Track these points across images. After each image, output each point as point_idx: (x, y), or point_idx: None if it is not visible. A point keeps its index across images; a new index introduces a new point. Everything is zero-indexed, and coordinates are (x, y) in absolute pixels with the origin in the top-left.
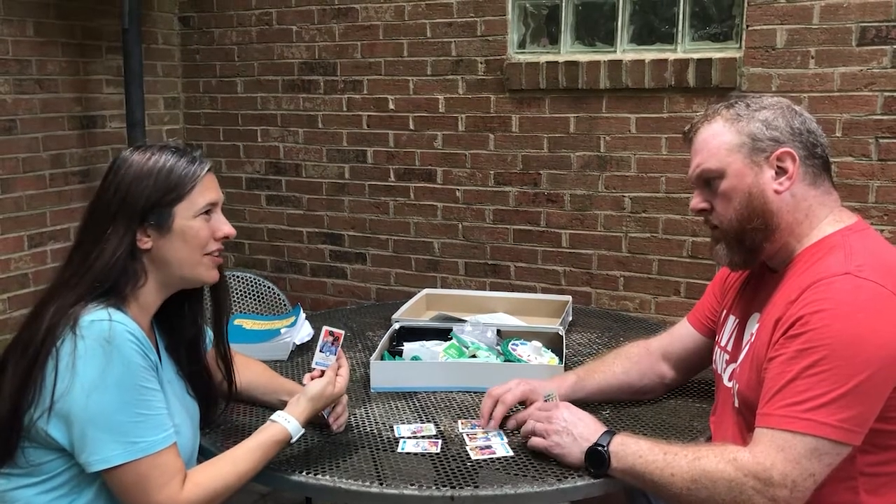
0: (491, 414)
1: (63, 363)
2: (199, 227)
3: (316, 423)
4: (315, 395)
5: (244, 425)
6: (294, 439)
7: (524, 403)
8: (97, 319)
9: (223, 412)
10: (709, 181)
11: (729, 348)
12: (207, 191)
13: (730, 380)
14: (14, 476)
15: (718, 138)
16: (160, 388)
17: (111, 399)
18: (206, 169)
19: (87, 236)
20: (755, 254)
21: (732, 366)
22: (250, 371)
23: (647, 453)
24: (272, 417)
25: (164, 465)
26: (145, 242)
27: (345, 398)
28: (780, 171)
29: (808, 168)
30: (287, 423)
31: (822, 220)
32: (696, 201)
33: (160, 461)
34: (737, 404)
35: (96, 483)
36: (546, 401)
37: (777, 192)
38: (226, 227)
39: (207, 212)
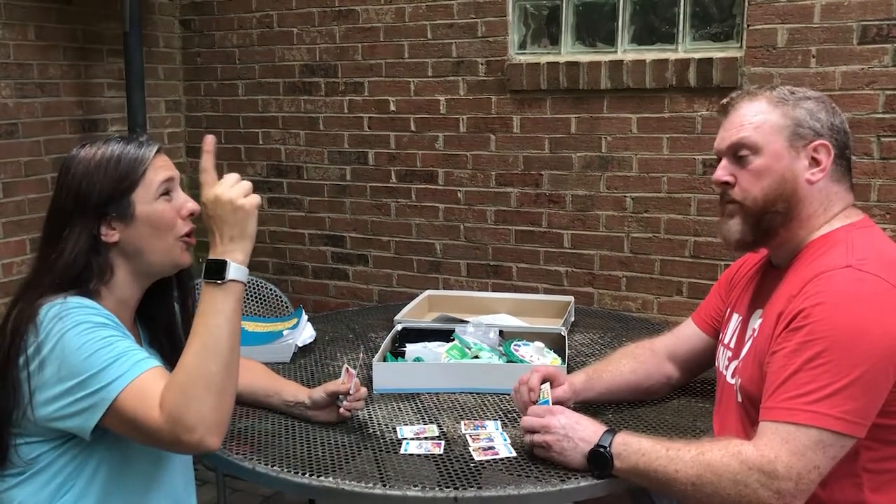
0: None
1: (31, 351)
2: (161, 208)
3: (324, 421)
4: (212, 213)
5: (246, 428)
6: (220, 277)
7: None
8: (53, 304)
9: None
10: (740, 155)
11: (732, 345)
12: (160, 170)
13: (732, 376)
14: (8, 476)
15: (763, 115)
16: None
17: (85, 349)
18: (155, 150)
19: (46, 241)
20: (768, 237)
21: (735, 362)
22: (250, 373)
23: (649, 451)
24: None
25: (154, 382)
26: (111, 236)
27: (363, 390)
28: (814, 163)
29: (836, 166)
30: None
31: (834, 214)
32: (722, 173)
33: (157, 373)
34: (740, 399)
35: (88, 468)
36: (541, 401)
37: (809, 181)
38: (189, 204)
39: (166, 192)
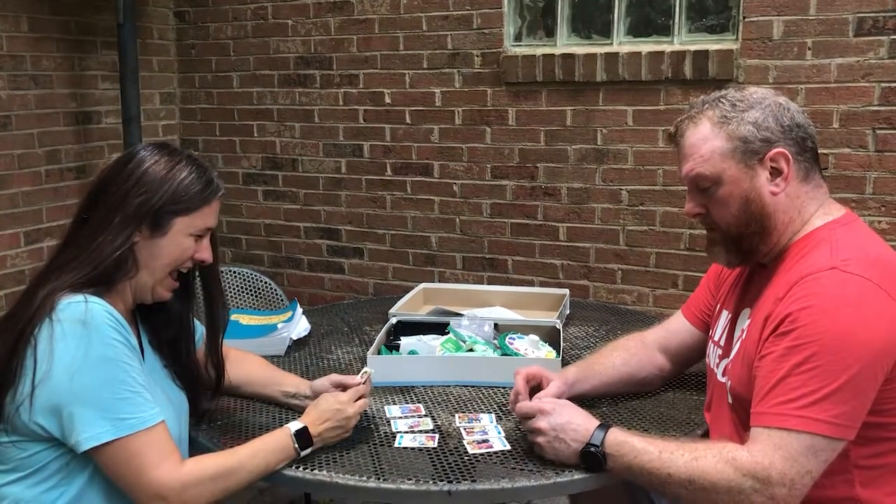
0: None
1: (41, 348)
2: (186, 245)
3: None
4: (327, 407)
5: (243, 420)
6: (301, 448)
7: (539, 387)
8: (73, 302)
9: (213, 404)
10: (702, 188)
11: (722, 343)
12: (210, 216)
13: (723, 375)
14: (1, 472)
15: (709, 143)
16: (142, 371)
17: (95, 376)
18: (220, 194)
19: (96, 216)
20: (753, 255)
21: (725, 361)
22: (248, 365)
23: (642, 453)
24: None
25: (157, 443)
26: (135, 236)
27: (366, 400)
28: (775, 172)
29: (800, 164)
30: (292, 425)
31: (811, 214)
32: (691, 206)
33: (152, 438)
34: (730, 400)
35: (86, 473)
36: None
37: (774, 193)
38: (206, 254)
39: (201, 235)
